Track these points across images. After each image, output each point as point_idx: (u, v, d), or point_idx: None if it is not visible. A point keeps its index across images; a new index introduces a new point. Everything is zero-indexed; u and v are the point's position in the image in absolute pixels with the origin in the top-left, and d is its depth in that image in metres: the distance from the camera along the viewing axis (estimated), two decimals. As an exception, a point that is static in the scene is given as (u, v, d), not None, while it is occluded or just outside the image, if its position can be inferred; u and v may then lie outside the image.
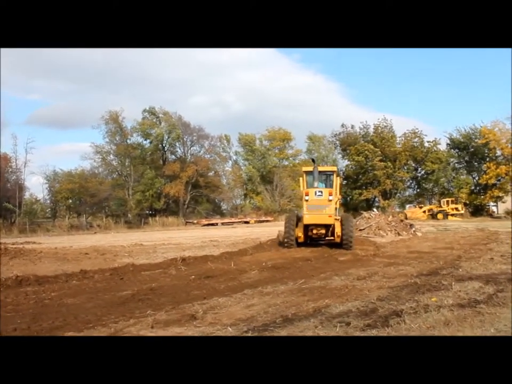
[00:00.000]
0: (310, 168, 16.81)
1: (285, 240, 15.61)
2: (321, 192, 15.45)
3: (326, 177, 17.09)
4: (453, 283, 8.43)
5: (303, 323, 5.93)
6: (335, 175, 16.97)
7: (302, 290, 8.29)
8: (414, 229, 24.31)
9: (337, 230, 15.54)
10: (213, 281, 9.44)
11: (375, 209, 34.16)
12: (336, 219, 15.74)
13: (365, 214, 27.08)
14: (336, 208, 16.37)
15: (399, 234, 23.08)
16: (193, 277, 9.90)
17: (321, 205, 15.28)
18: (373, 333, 5.31)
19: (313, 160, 17.90)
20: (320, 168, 17.54)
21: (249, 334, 5.36)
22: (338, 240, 15.59)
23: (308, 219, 15.51)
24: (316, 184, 15.82)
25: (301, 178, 17.34)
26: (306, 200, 15.45)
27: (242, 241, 19.98)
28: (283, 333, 5.42)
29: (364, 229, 23.82)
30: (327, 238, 16.29)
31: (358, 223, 25.19)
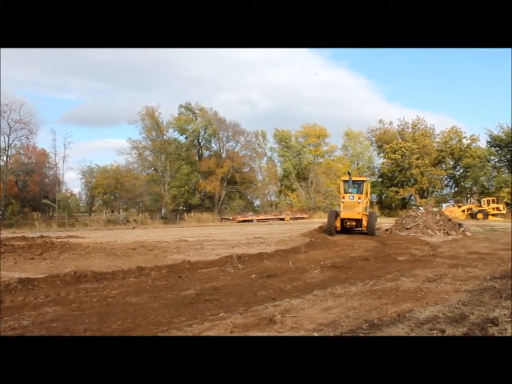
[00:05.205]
0: (347, 178, 23.50)
1: (327, 229, 21.63)
2: (353, 196, 22.07)
3: (358, 185, 23.11)
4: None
5: (392, 329, 5.50)
6: (364, 183, 23.45)
7: (375, 292, 7.82)
8: (463, 228, 23.33)
9: (364, 222, 21.79)
10: (276, 280, 9.01)
11: (421, 208, 33.17)
12: (365, 214, 22.10)
13: (411, 212, 26.29)
14: (366, 208, 23.08)
15: (448, 233, 22.23)
16: (253, 275, 9.50)
17: (353, 205, 21.85)
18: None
19: (349, 173, 24.13)
20: (354, 178, 24.15)
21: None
22: (365, 229, 21.76)
23: (344, 214, 22.15)
24: (350, 190, 22.44)
25: (340, 184, 24.74)
26: (343, 202, 22.26)
27: (288, 238, 19.58)
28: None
29: (411, 228, 23.04)
30: (356, 229, 22.58)
31: (404, 221, 24.48)
